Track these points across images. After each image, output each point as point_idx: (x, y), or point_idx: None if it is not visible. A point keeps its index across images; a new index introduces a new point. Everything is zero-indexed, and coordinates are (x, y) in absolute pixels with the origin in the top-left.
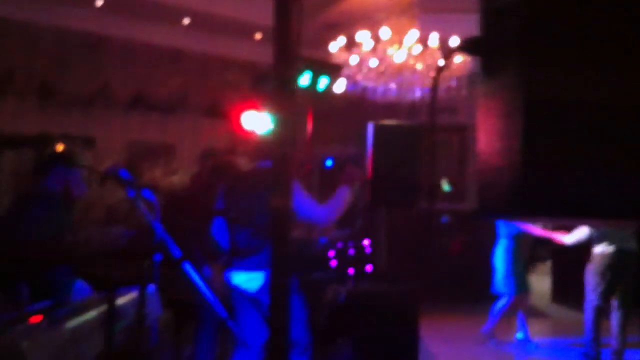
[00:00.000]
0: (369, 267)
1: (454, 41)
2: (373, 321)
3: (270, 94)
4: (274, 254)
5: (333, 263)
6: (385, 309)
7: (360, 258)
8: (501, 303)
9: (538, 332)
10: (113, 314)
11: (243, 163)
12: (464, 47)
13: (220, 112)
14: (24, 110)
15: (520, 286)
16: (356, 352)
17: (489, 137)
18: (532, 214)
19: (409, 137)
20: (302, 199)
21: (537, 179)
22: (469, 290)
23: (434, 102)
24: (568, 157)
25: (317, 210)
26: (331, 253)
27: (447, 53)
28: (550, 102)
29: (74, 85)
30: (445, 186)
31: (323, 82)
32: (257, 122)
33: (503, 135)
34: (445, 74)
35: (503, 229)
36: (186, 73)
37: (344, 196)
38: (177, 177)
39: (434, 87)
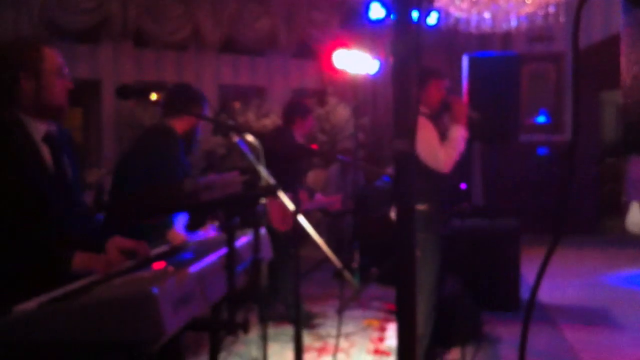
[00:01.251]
0: (465, 203)
1: None
2: (474, 256)
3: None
4: (398, 195)
5: None
6: (486, 243)
7: (457, 194)
8: None
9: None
10: (234, 257)
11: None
12: None
13: (310, 53)
14: (120, 57)
15: None
16: (458, 286)
17: (636, 69)
18: None
19: (506, 68)
20: (431, 141)
21: None
22: (567, 223)
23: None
24: None
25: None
26: None
27: None
28: None
29: (166, 31)
30: (542, 117)
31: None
32: (349, 61)
33: None
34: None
35: None
36: (274, 14)
37: (463, 136)
38: (270, 119)
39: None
